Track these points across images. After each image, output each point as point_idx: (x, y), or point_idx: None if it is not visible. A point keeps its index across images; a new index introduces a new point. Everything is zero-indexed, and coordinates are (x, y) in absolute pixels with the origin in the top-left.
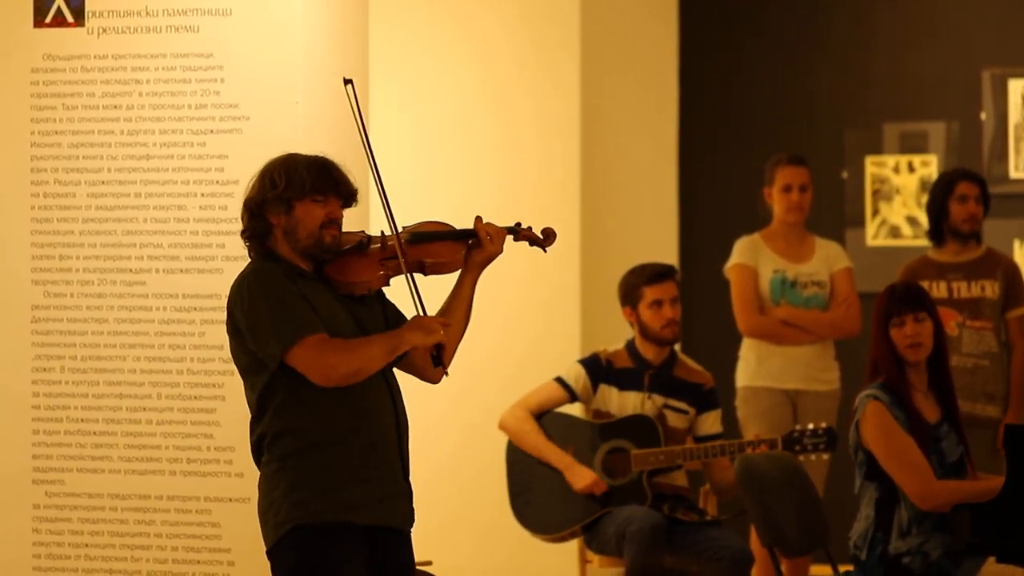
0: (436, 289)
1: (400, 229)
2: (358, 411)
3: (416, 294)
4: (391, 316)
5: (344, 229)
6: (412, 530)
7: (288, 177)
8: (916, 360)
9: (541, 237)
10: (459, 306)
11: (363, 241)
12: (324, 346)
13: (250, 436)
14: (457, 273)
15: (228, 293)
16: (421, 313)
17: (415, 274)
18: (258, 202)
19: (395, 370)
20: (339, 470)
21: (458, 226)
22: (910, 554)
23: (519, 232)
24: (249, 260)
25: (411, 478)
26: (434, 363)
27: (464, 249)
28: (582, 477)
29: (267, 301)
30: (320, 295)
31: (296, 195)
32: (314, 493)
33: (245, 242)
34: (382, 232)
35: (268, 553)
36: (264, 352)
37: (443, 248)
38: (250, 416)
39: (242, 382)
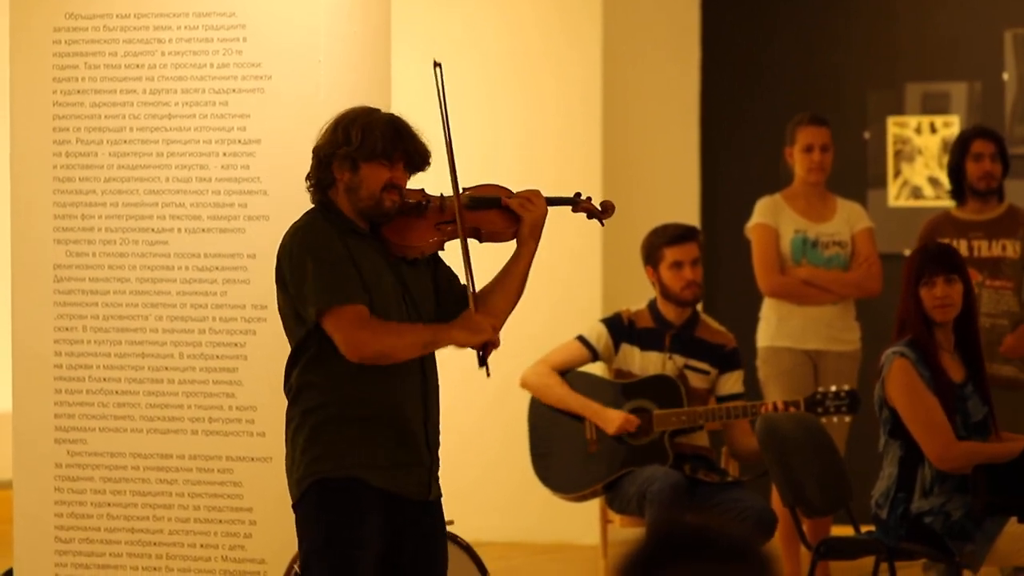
0: (493, 258)
1: (461, 190)
2: (384, 375)
3: (467, 262)
4: (443, 279)
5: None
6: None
7: (363, 137)
8: (944, 321)
9: (600, 209)
10: (511, 278)
11: (422, 202)
12: (360, 321)
13: (284, 385)
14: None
15: (279, 243)
16: (470, 280)
17: (471, 239)
18: (327, 152)
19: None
20: (351, 433)
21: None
22: (932, 514)
23: (578, 203)
24: (306, 209)
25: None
26: (479, 363)
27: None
28: (612, 420)
29: (314, 260)
30: (369, 256)
31: (364, 156)
32: (325, 451)
33: (309, 188)
34: (441, 194)
35: (293, 507)
36: (303, 310)
37: (499, 217)
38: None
39: (277, 334)
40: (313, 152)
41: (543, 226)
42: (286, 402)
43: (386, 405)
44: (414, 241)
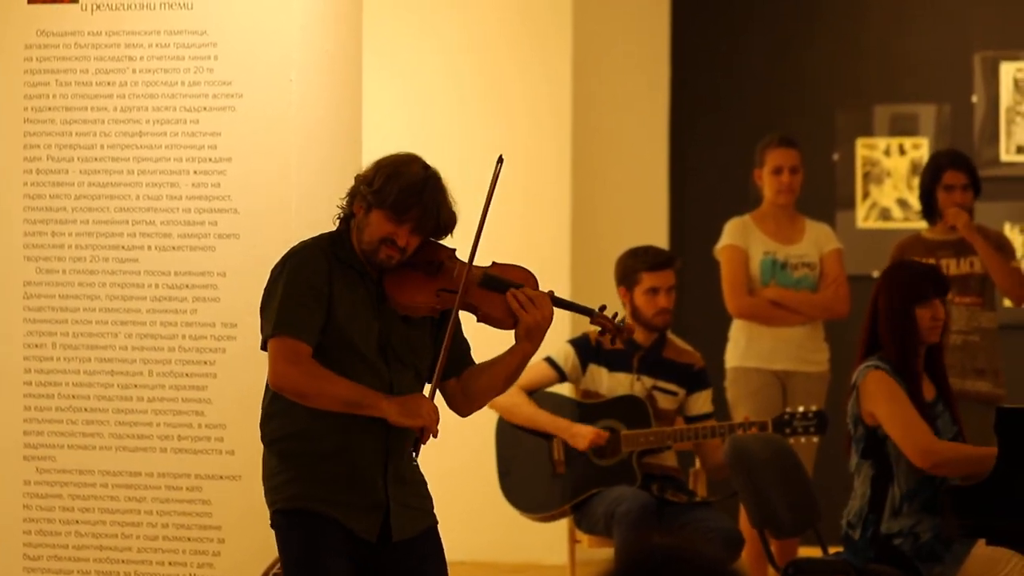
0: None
1: (490, 263)
2: (345, 416)
3: (449, 334)
4: (441, 337)
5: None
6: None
7: (384, 184)
8: (933, 341)
9: (616, 329)
10: (499, 369)
11: (438, 263)
12: (294, 356)
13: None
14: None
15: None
16: (444, 353)
17: (465, 311)
18: (356, 185)
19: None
20: (306, 465)
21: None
22: (901, 535)
23: (596, 317)
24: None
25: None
26: (412, 444)
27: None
28: (583, 435)
29: (286, 286)
30: (357, 294)
31: (376, 203)
32: (284, 480)
33: (338, 206)
34: (459, 264)
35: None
36: (261, 325)
37: (505, 305)
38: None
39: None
40: (355, 178)
41: (545, 331)
42: (256, 420)
43: (341, 447)
44: (406, 299)
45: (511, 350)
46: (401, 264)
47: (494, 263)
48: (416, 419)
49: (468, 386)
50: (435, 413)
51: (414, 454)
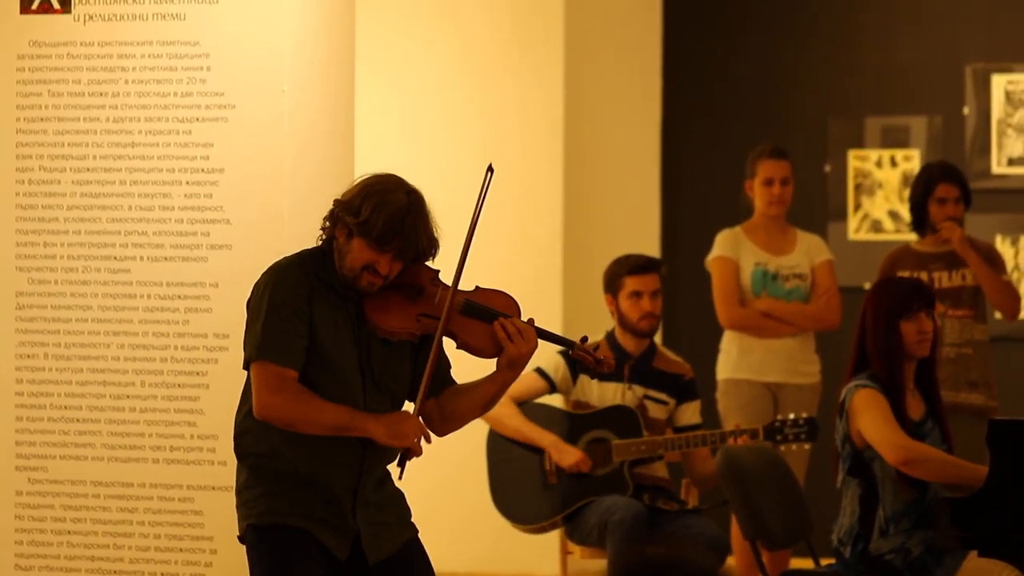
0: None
1: (474, 287)
2: (318, 444)
3: (433, 358)
4: (423, 360)
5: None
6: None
7: (369, 213)
8: (922, 355)
9: (596, 362)
10: (479, 395)
11: (419, 287)
12: (279, 383)
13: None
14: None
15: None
16: (427, 377)
17: (446, 337)
18: (339, 211)
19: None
20: (281, 482)
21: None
22: (892, 551)
23: (576, 349)
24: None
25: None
26: (397, 462)
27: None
28: (570, 454)
29: (270, 309)
30: (338, 317)
31: (359, 232)
32: (255, 495)
33: (321, 225)
34: (441, 288)
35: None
36: (245, 346)
37: (485, 334)
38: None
39: (239, 363)
40: (335, 202)
41: (527, 362)
42: None
43: (313, 465)
44: (386, 323)
45: (491, 378)
46: (380, 289)
47: (477, 288)
48: (403, 440)
49: (445, 407)
50: (421, 431)
51: (399, 472)
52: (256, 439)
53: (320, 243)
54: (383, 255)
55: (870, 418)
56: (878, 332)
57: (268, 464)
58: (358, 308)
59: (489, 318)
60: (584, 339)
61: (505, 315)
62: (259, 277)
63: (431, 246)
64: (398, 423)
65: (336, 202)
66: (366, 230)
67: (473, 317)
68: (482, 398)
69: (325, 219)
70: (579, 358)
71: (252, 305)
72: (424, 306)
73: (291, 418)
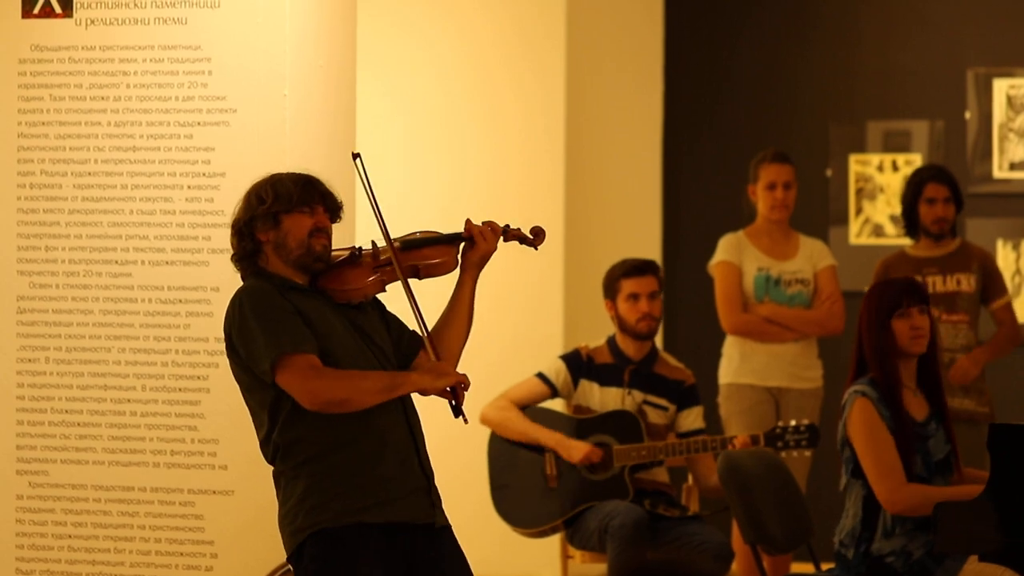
0: (435, 295)
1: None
2: (366, 412)
3: (412, 300)
4: (394, 327)
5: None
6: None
7: (275, 191)
8: (918, 352)
9: (531, 236)
10: (460, 308)
11: (355, 252)
12: (313, 371)
13: (262, 448)
14: (455, 276)
15: (224, 313)
16: (418, 317)
17: (411, 279)
18: (246, 221)
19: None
20: (349, 473)
21: (447, 231)
22: (893, 554)
23: (508, 232)
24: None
25: None
26: (454, 412)
27: (457, 250)
28: (578, 449)
29: (258, 319)
30: (316, 308)
31: (284, 208)
32: (325, 499)
33: (236, 265)
34: (372, 242)
35: (288, 559)
36: (258, 369)
37: (435, 251)
38: (255, 427)
39: (237, 390)
40: (232, 228)
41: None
42: (249, 435)
43: (375, 440)
44: (354, 283)
45: (460, 285)
46: (327, 269)
47: (395, 238)
48: (447, 377)
49: (442, 344)
50: (455, 368)
51: (460, 413)
52: (308, 443)
53: (250, 271)
54: (315, 212)
55: (864, 451)
56: (871, 333)
57: (331, 460)
58: (325, 296)
59: (426, 244)
60: (507, 225)
61: (441, 236)
62: (225, 316)
63: (340, 200)
64: (433, 367)
65: (235, 224)
66: (287, 202)
67: (415, 248)
68: (462, 313)
69: (233, 256)
70: (515, 238)
71: (240, 332)
72: (370, 262)
73: (342, 394)
